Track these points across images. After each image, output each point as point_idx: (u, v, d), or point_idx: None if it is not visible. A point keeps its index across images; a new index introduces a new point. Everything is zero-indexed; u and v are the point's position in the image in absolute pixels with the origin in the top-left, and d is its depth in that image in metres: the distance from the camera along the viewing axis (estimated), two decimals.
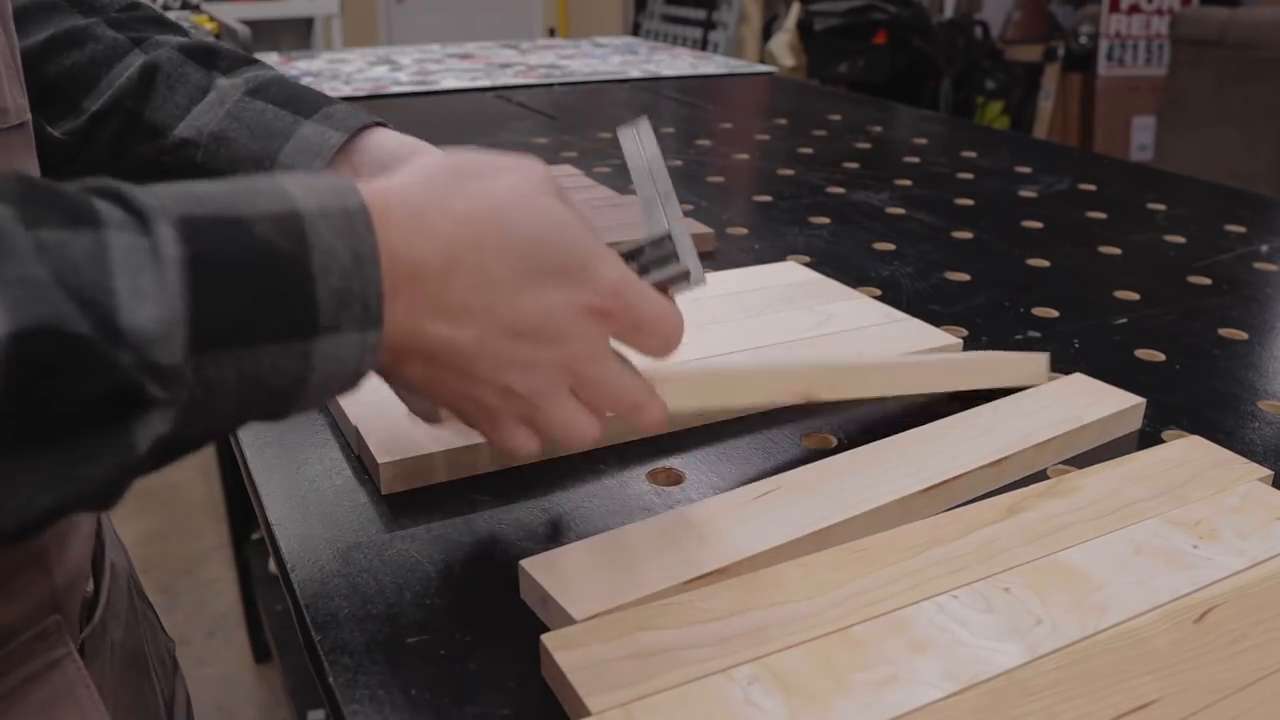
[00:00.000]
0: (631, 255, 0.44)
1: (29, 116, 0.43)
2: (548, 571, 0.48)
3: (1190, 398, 0.73)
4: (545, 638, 0.44)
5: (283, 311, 0.31)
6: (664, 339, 0.42)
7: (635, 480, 0.61)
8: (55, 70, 0.56)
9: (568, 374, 0.40)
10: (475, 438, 0.59)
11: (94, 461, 0.29)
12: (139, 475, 0.31)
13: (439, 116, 1.62)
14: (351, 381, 0.35)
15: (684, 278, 0.43)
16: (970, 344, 0.80)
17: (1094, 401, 0.67)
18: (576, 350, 0.40)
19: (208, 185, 0.32)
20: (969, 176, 1.34)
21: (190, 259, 0.29)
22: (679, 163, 1.35)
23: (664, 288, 0.43)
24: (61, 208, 0.28)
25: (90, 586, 0.49)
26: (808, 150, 1.47)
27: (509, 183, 0.38)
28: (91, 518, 0.49)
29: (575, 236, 0.39)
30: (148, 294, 0.28)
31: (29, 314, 0.26)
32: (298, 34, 4.04)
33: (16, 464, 0.27)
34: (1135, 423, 0.68)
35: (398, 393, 0.45)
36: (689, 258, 0.42)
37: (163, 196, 0.30)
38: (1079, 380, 0.70)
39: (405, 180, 0.37)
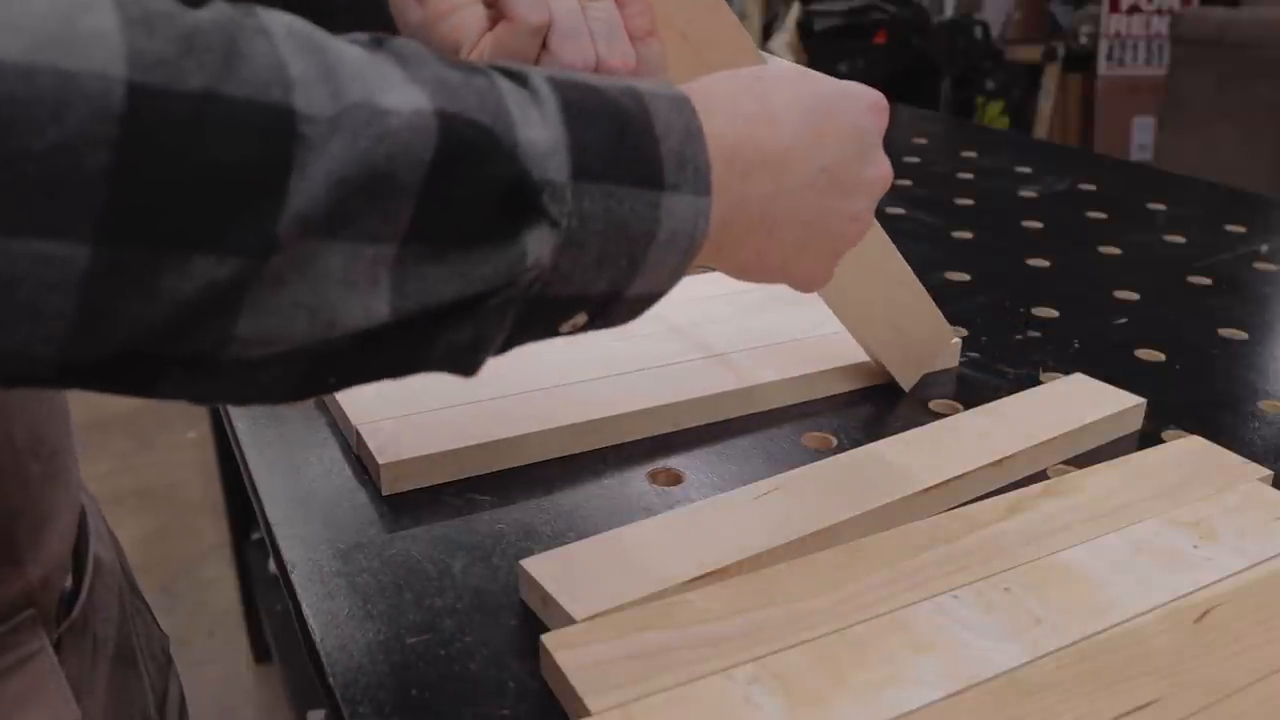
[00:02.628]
0: None
1: None
2: (548, 571, 0.48)
3: (1190, 398, 0.73)
4: (545, 638, 0.44)
5: (637, 159, 0.34)
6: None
7: (635, 480, 0.61)
8: None
9: (876, 185, 0.45)
10: (475, 439, 0.59)
11: (489, 261, 0.31)
12: (508, 313, 0.33)
13: None
14: (688, 249, 0.37)
15: None
16: (970, 344, 0.80)
17: (1094, 402, 0.67)
18: (879, 158, 0.45)
19: (553, 69, 0.36)
20: (969, 176, 1.34)
21: (563, 103, 0.33)
22: None
23: None
24: (455, 62, 0.32)
25: (69, 581, 0.49)
26: None
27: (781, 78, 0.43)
28: (72, 513, 0.49)
29: (825, 77, 0.45)
30: (535, 122, 0.32)
31: (447, 102, 0.30)
32: None
33: (431, 251, 0.30)
34: (1135, 423, 0.68)
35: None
36: None
37: (525, 68, 0.34)
38: (1080, 381, 0.70)
39: (710, 81, 0.41)
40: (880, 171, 0.45)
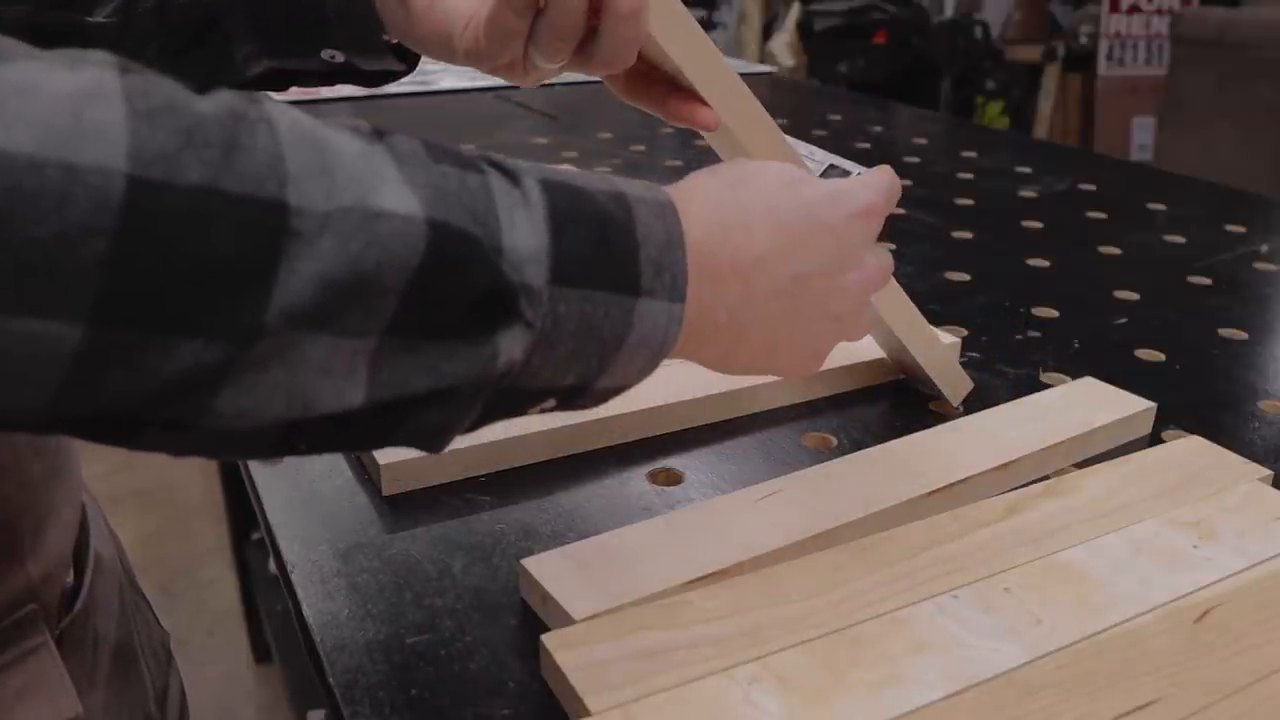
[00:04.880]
0: None
1: None
2: (548, 571, 0.48)
3: (1190, 398, 0.73)
4: (545, 638, 0.44)
5: (616, 265, 0.36)
6: (897, 192, 0.49)
7: (635, 480, 0.61)
8: None
9: (863, 287, 0.46)
10: (475, 439, 0.59)
11: (462, 359, 0.32)
12: (476, 404, 0.34)
13: (438, 117, 1.62)
14: (658, 351, 0.38)
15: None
16: (970, 344, 0.80)
17: (1103, 406, 0.67)
18: (866, 259, 0.46)
19: (546, 166, 0.37)
20: (969, 176, 1.34)
21: (551, 208, 0.34)
22: (678, 163, 1.35)
23: None
24: (453, 154, 0.34)
25: (71, 577, 0.49)
26: None
27: (761, 179, 0.44)
28: (73, 510, 0.49)
29: (811, 178, 0.46)
30: (521, 226, 0.33)
31: (439, 210, 0.31)
32: None
33: (408, 345, 0.31)
34: (1145, 427, 0.67)
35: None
36: (856, 169, 0.53)
37: (520, 164, 0.36)
38: (1089, 384, 0.70)
39: (692, 186, 0.43)
40: (864, 274, 0.45)
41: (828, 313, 0.45)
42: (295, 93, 0.65)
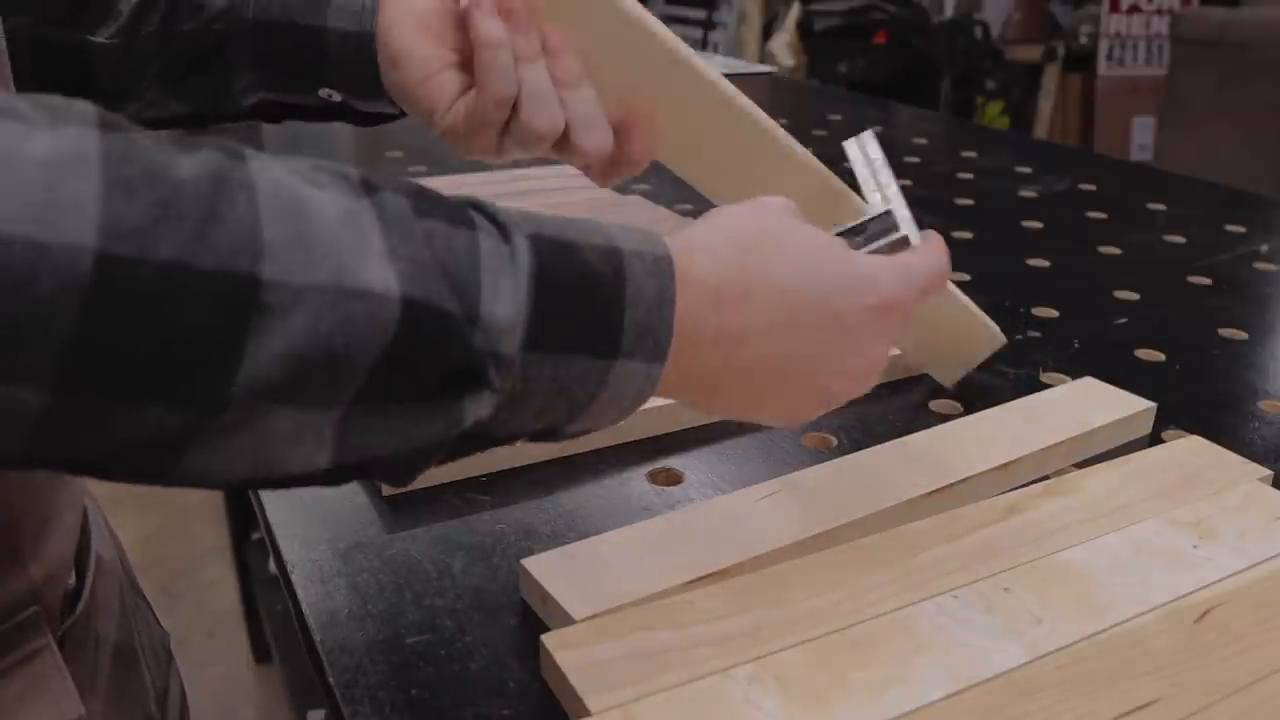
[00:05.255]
0: (854, 231, 0.50)
1: None
2: (548, 571, 0.48)
3: (1190, 398, 0.73)
4: (545, 638, 0.44)
5: (597, 330, 0.35)
6: (941, 282, 0.47)
7: (635, 480, 0.61)
8: None
9: (862, 373, 0.44)
10: None
11: (427, 425, 0.33)
12: (442, 454, 0.35)
13: None
14: (629, 407, 0.38)
15: (904, 243, 0.49)
16: None
17: (1103, 406, 0.67)
18: (875, 349, 0.44)
19: (540, 213, 0.36)
20: (969, 176, 1.34)
21: (537, 270, 0.34)
22: None
23: (886, 252, 0.49)
24: (444, 207, 0.33)
25: (73, 579, 0.49)
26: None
27: (792, 243, 0.42)
28: (75, 512, 0.49)
29: (841, 253, 0.43)
30: (503, 292, 0.33)
31: (417, 287, 0.31)
32: None
33: (376, 412, 0.31)
34: (1145, 427, 0.67)
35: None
36: (908, 226, 0.49)
37: (514, 215, 0.35)
38: (1089, 384, 0.70)
39: (702, 241, 0.41)
40: (867, 363, 0.43)
41: (818, 389, 0.43)
42: None
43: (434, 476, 0.59)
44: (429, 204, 0.33)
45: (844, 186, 0.61)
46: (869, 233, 0.49)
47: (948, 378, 0.71)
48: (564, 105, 0.52)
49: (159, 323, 0.26)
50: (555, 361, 0.35)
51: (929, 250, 0.47)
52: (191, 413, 0.28)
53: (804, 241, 0.42)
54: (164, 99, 0.62)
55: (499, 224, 0.34)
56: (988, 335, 0.70)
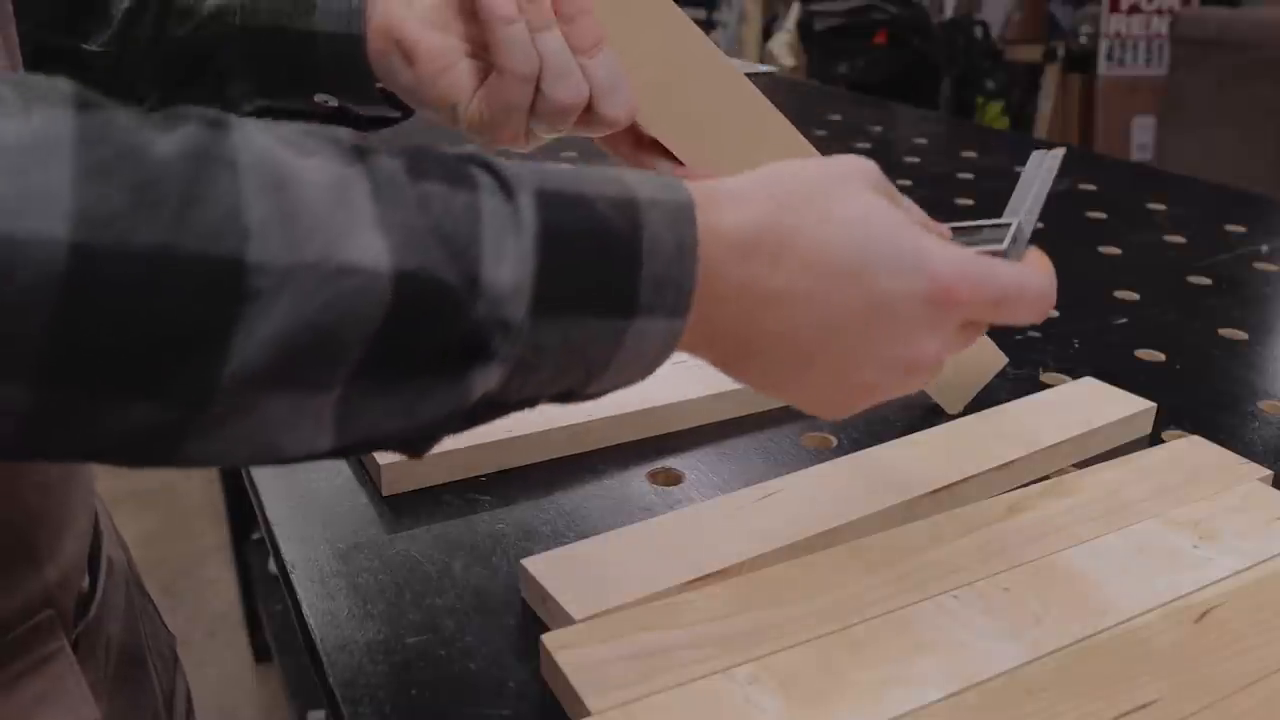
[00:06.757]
0: (969, 230, 0.45)
1: None
2: (548, 571, 0.48)
3: (1190, 398, 0.73)
4: (545, 638, 0.44)
5: (610, 288, 0.33)
6: (1033, 304, 0.41)
7: (635, 480, 0.61)
8: None
9: (905, 368, 0.40)
10: (475, 439, 0.59)
11: (433, 400, 0.31)
12: (454, 425, 0.33)
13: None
14: (651, 365, 0.36)
15: (999, 255, 0.43)
16: None
17: (1103, 406, 0.66)
18: (923, 344, 0.39)
19: (551, 166, 0.34)
20: (969, 176, 1.34)
21: (543, 228, 0.32)
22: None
23: None
24: (444, 166, 0.32)
25: (86, 582, 0.49)
26: None
27: (843, 193, 0.38)
28: (88, 515, 0.49)
29: (899, 227, 0.38)
30: (507, 255, 0.31)
31: (410, 257, 0.29)
32: None
33: (375, 391, 0.30)
34: (1145, 427, 0.67)
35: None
36: (1017, 245, 0.44)
37: (521, 169, 0.33)
38: (1089, 384, 0.70)
39: (740, 182, 0.38)
40: (909, 355, 0.38)
41: (853, 376, 0.39)
42: None
43: (434, 476, 0.59)
44: (428, 164, 0.31)
45: None
46: (981, 236, 0.44)
47: (953, 404, 0.70)
48: (585, 73, 0.50)
49: (141, 315, 0.26)
50: (567, 324, 0.33)
51: (1028, 265, 0.42)
52: (180, 406, 0.27)
53: (858, 208, 0.38)
54: (161, 107, 0.62)
55: (503, 181, 0.32)
56: (995, 357, 0.70)
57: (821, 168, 0.39)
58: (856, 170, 0.39)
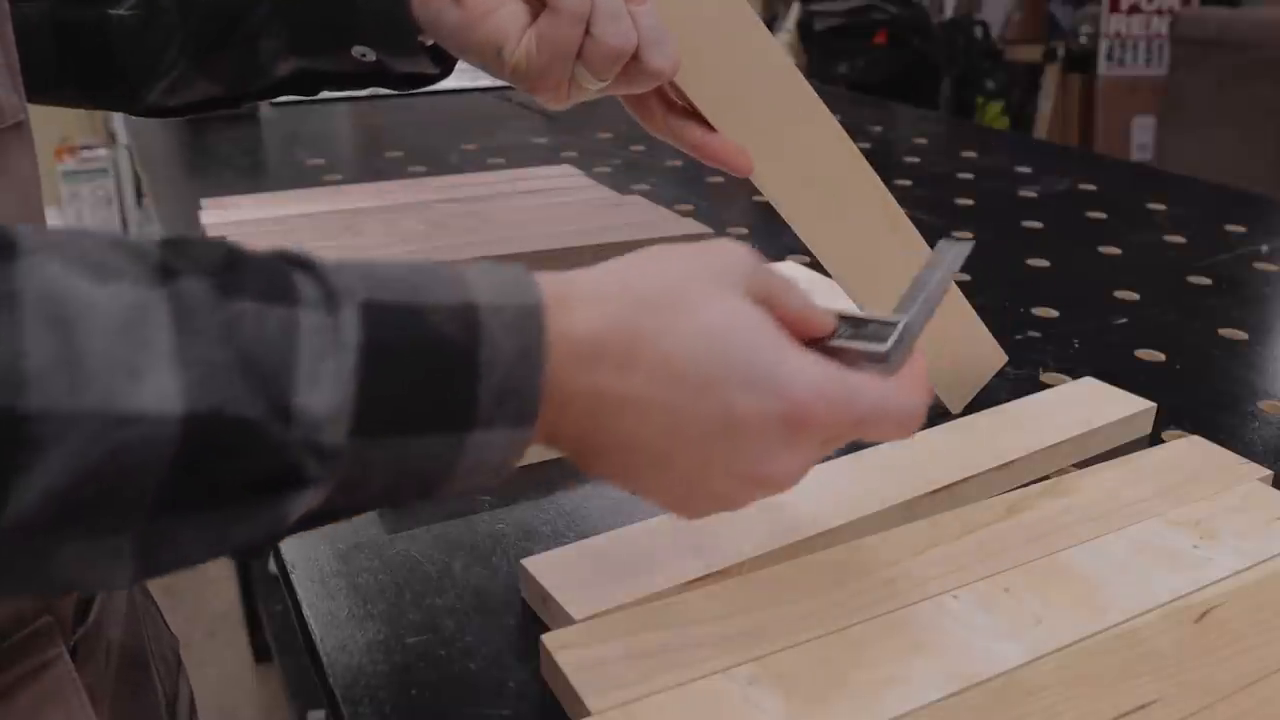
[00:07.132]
0: (857, 323, 0.42)
1: (25, 117, 0.43)
2: (548, 571, 0.48)
3: (1190, 398, 0.73)
4: (545, 638, 0.44)
5: (444, 404, 0.32)
6: (896, 427, 0.39)
7: None
8: None
9: (759, 484, 0.38)
10: None
11: (246, 526, 0.30)
12: (277, 541, 0.32)
13: (438, 116, 1.62)
14: (497, 473, 0.35)
15: (880, 360, 0.40)
16: None
17: (1103, 406, 0.66)
18: (777, 461, 0.37)
19: (390, 267, 0.33)
20: (969, 176, 1.34)
21: (367, 344, 0.30)
22: (678, 163, 1.35)
23: (856, 360, 0.40)
24: (262, 279, 0.30)
25: None
26: None
27: (707, 304, 0.36)
28: None
29: (760, 341, 0.36)
30: (324, 378, 0.29)
31: (205, 396, 0.28)
32: None
33: (177, 524, 0.29)
34: (1145, 427, 0.67)
35: None
36: (900, 346, 0.40)
37: (350, 277, 0.31)
38: (1089, 384, 0.70)
39: (597, 278, 0.37)
40: (763, 472, 0.37)
41: (706, 487, 0.38)
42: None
43: None
44: (243, 278, 0.29)
45: (903, 215, 0.59)
46: (866, 331, 0.41)
47: (955, 403, 0.70)
48: (634, 21, 0.50)
49: None
50: (394, 443, 0.31)
51: (899, 381, 0.39)
52: None
53: (719, 316, 0.36)
54: (191, 76, 0.60)
55: (328, 292, 0.30)
56: (995, 355, 0.70)
57: (689, 264, 0.37)
58: (727, 268, 0.37)
